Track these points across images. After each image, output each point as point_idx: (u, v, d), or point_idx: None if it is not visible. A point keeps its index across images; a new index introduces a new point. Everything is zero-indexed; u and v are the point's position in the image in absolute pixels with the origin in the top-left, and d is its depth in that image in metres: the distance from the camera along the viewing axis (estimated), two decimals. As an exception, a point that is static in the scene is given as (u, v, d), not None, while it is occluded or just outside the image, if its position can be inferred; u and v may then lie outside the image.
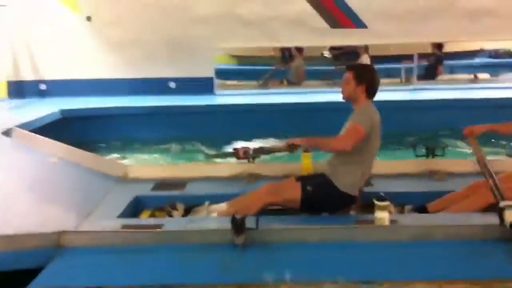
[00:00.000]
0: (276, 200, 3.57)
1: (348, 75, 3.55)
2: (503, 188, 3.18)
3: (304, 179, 3.66)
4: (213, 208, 3.71)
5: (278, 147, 4.29)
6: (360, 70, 3.60)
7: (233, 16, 8.14)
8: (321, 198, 3.53)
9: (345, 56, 11.55)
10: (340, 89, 3.62)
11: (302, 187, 3.54)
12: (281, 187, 3.64)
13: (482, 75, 10.12)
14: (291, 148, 3.70)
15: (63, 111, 7.05)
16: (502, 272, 2.68)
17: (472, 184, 3.73)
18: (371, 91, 3.55)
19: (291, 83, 9.67)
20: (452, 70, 10.69)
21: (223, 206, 3.66)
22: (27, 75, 8.46)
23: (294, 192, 3.54)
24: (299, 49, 9.65)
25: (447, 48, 10.25)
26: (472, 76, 9.87)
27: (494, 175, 3.31)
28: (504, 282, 2.60)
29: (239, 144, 4.54)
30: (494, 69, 10.87)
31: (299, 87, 9.40)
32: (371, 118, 3.47)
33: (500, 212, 2.95)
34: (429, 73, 9.83)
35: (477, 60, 11.91)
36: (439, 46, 9.85)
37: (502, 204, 3.00)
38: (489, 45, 12.10)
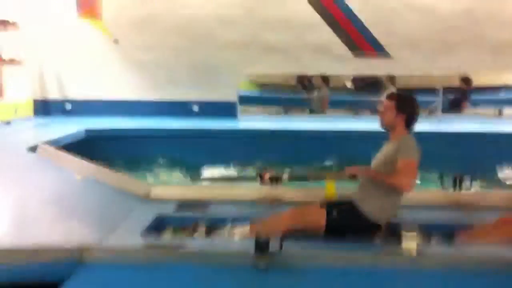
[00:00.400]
0: (300, 225, 3.52)
1: (390, 103, 3.53)
2: None
3: (329, 205, 3.60)
4: (235, 230, 3.66)
5: (321, 174, 4.26)
6: (402, 100, 3.56)
7: (258, 43, 8.21)
8: (347, 225, 3.46)
9: (368, 87, 11.52)
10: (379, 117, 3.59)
11: (327, 213, 3.48)
12: (305, 212, 3.59)
13: (507, 111, 10.01)
14: (351, 177, 3.66)
15: (87, 131, 7.11)
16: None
17: (503, 218, 3.64)
18: (410, 122, 3.53)
19: (312, 112, 9.64)
20: (476, 104, 10.58)
21: (246, 228, 3.61)
22: (53, 95, 8.60)
23: (318, 218, 3.49)
24: (325, 79, 9.65)
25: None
26: (497, 111, 9.76)
27: None
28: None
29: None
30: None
31: (322, 115, 9.37)
32: (416, 149, 3.45)
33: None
34: (454, 107, 9.73)
35: (502, 95, 11.80)
36: (466, 80, 9.75)
37: None
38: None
